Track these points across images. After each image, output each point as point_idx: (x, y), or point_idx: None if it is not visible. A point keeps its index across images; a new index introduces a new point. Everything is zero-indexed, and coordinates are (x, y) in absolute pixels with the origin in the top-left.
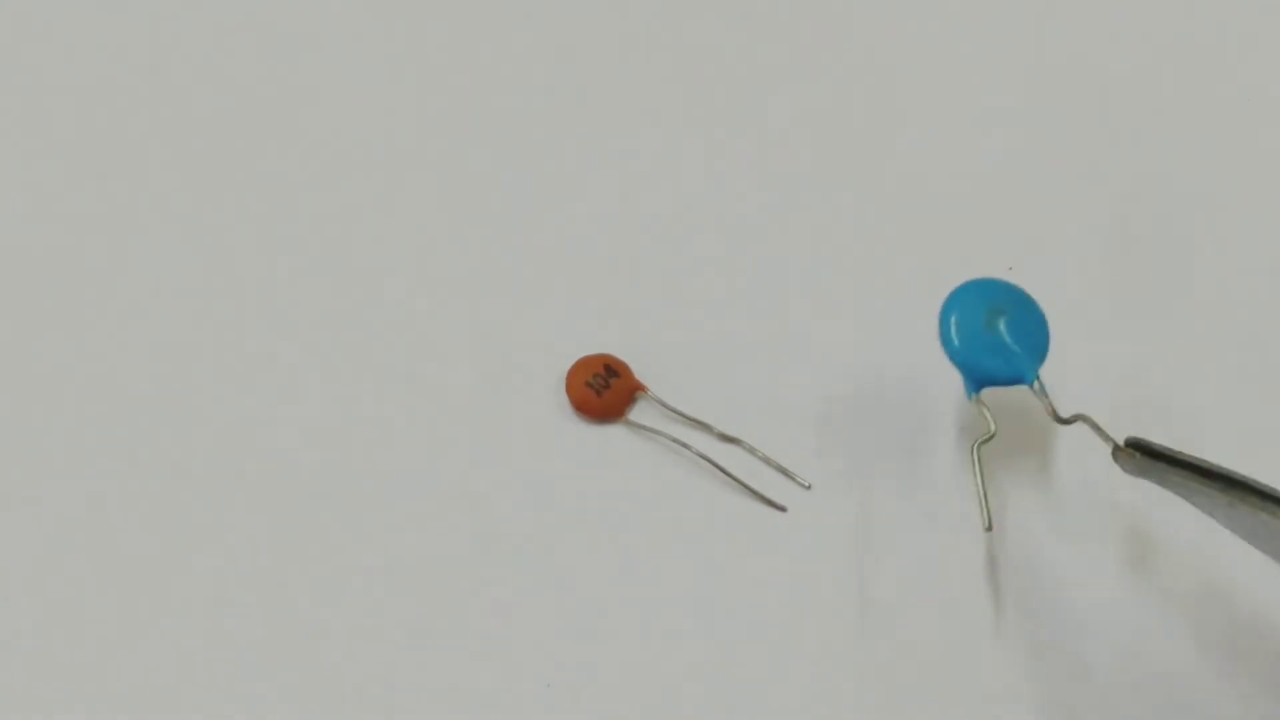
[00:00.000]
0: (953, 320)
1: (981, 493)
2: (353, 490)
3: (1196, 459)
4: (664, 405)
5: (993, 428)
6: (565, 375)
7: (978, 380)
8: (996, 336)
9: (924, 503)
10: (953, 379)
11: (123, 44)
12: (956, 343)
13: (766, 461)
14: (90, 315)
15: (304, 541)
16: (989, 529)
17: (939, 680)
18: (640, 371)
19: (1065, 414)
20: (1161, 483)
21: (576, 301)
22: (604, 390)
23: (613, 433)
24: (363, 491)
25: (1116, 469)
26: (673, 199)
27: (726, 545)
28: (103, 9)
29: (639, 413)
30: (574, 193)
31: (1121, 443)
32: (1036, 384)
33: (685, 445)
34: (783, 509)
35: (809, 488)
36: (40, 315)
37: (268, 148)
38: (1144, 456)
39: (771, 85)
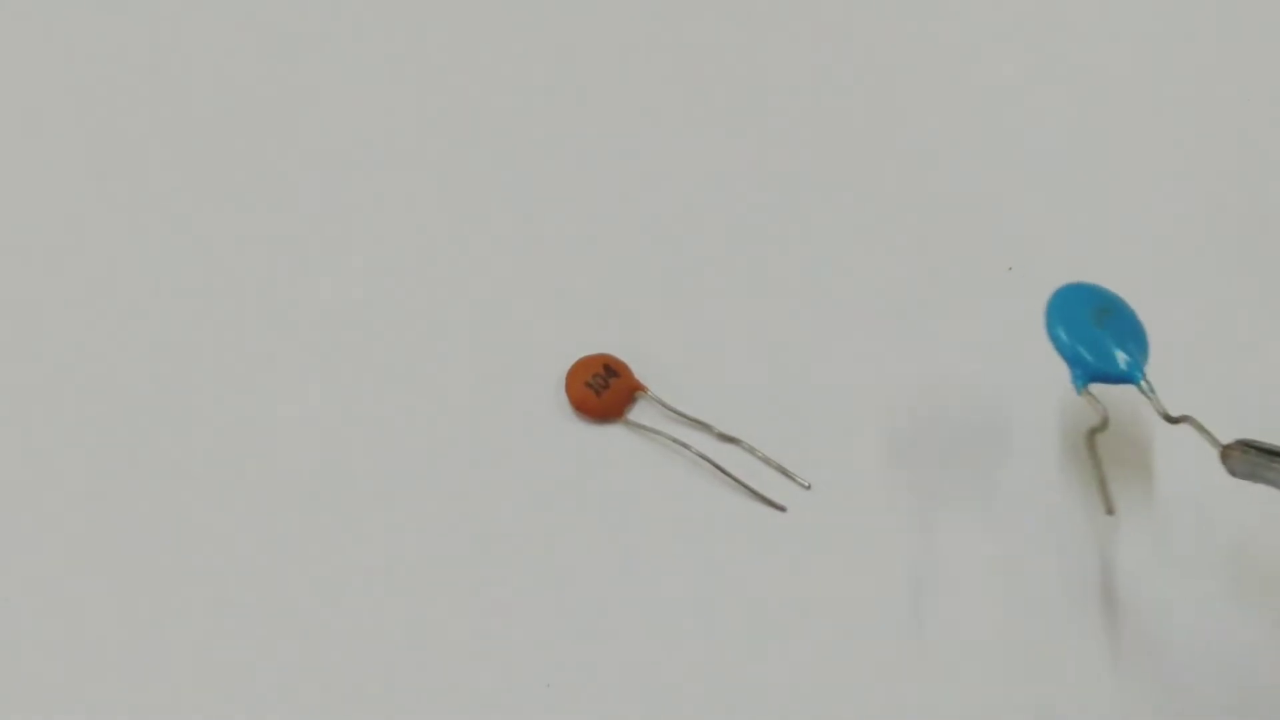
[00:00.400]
0: (1060, 316)
1: (1101, 479)
2: (353, 490)
3: None
4: (664, 405)
5: (1104, 418)
6: (565, 375)
7: (1088, 374)
8: (1104, 334)
9: (923, 501)
10: (951, 380)
11: (123, 44)
12: (1065, 337)
13: (766, 461)
14: (90, 315)
15: (304, 541)
16: (1110, 513)
17: (939, 681)
18: (640, 371)
19: (1174, 413)
20: (1274, 483)
21: (576, 301)
22: (604, 390)
23: (613, 433)
24: (363, 491)
25: (1219, 471)
26: (673, 200)
27: (726, 545)
28: (103, 9)
29: (639, 413)
30: (574, 193)
31: (1230, 443)
32: (1144, 382)
33: (685, 445)
34: (783, 509)
35: (809, 488)
36: (40, 315)
37: (268, 148)
38: (1259, 454)
39: (772, 86)
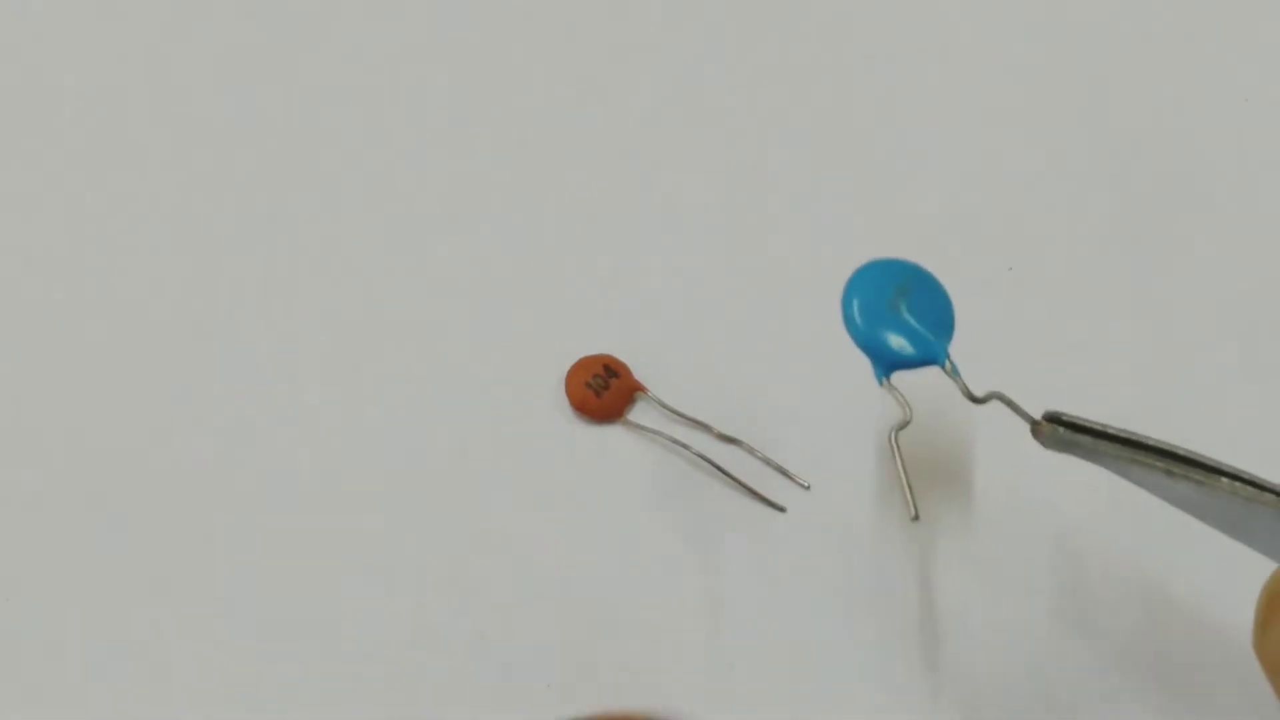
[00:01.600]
0: (855, 303)
1: (905, 482)
2: (353, 490)
3: (1121, 430)
4: (664, 405)
5: (908, 413)
6: (565, 375)
7: (888, 364)
8: (902, 317)
9: (925, 502)
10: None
11: (122, 43)
12: (861, 325)
13: (766, 462)
14: (90, 315)
15: (304, 542)
16: (915, 518)
17: (939, 678)
18: (640, 371)
19: (979, 393)
20: (1087, 456)
21: (576, 301)
22: (604, 390)
23: (613, 433)
24: (363, 492)
25: (1036, 446)
26: (672, 199)
27: (726, 545)
28: (103, 8)
29: (639, 413)
30: (574, 193)
31: (1039, 418)
32: (948, 364)
33: (685, 445)
34: (782, 509)
35: (809, 488)
36: (40, 316)
37: (268, 147)
38: (1066, 430)
39: (771, 86)
